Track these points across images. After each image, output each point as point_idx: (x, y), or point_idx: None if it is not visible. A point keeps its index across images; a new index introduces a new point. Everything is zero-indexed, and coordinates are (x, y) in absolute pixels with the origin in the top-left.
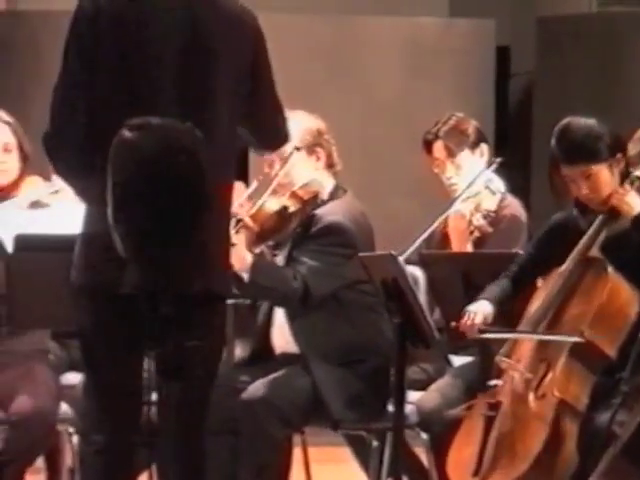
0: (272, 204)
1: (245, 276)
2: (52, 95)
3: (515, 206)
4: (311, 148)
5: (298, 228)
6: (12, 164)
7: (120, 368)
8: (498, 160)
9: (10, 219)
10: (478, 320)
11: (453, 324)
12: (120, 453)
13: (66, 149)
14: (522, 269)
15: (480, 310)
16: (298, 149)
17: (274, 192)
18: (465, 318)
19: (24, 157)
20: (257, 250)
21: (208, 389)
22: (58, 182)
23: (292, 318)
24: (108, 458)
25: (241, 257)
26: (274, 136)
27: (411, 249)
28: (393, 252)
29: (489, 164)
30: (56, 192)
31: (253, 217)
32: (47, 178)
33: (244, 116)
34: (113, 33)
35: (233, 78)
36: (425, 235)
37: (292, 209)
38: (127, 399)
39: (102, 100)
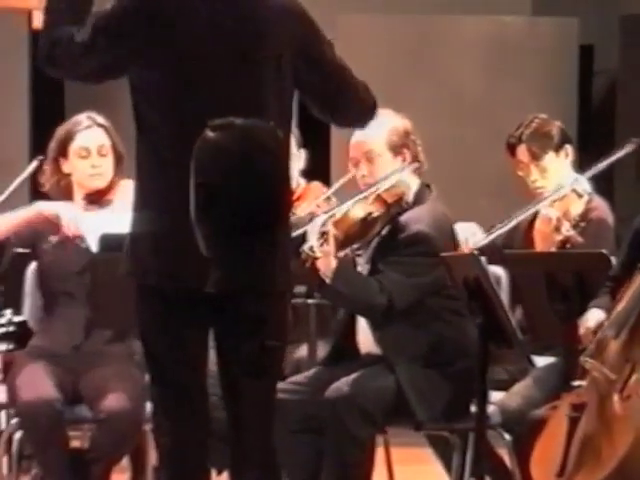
0: (357, 211)
1: (327, 280)
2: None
3: (602, 208)
4: (397, 149)
5: (383, 231)
6: (107, 167)
7: (184, 367)
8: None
9: (101, 223)
10: (593, 328)
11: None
12: (188, 452)
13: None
14: (618, 280)
15: (593, 318)
16: (378, 157)
17: (358, 194)
18: (582, 328)
19: (118, 160)
20: (341, 254)
21: (274, 386)
22: None
23: (374, 327)
24: (177, 457)
25: (327, 262)
26: (358, 112)
27: (485, 240)
28: (475, 252)
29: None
30: None
31: (337, 224)
32: None
33: (318, 101)
34: (165, 22)
35: (289, 71)
36: (505, 229)
37: (376, 214)
38: (191, 397)
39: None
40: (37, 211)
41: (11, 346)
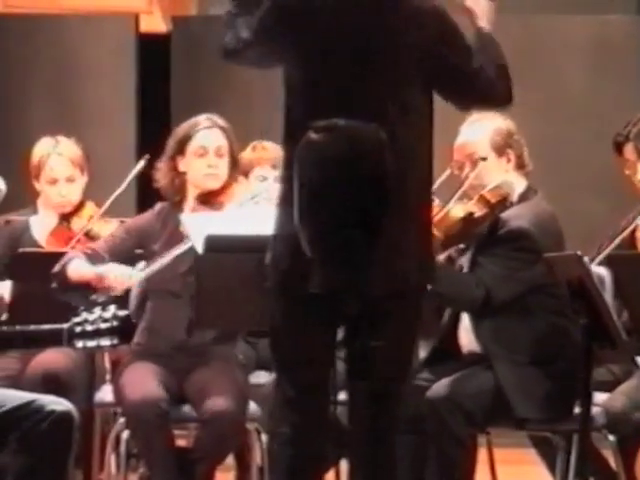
0: (457, 211)
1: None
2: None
3: None
4: (501, 150)
5: (484, 231)
6: (222, 169)
7: (310, 365)
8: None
9: (206, 222)
10: None
11: None
12: (308, 447)
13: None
14: None
15: None
16: (484, 159)
17: (462, 196)
18: None
19: (234, 162)
20: (442, 256)
21: (397, 388)
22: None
23: (475, 321)
24: (296, 451)
25: None
26: (496, 86)
27: (601, 255)
28: (579, 252)
29: None
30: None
31: (437, 225)
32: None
33: (459, 98)
34: (307, 21)
35: (427, 70)
36: (617, 242)
37: (478, 214)
38: (316, 395)
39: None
40: (105, 275)
41: (115, 341)
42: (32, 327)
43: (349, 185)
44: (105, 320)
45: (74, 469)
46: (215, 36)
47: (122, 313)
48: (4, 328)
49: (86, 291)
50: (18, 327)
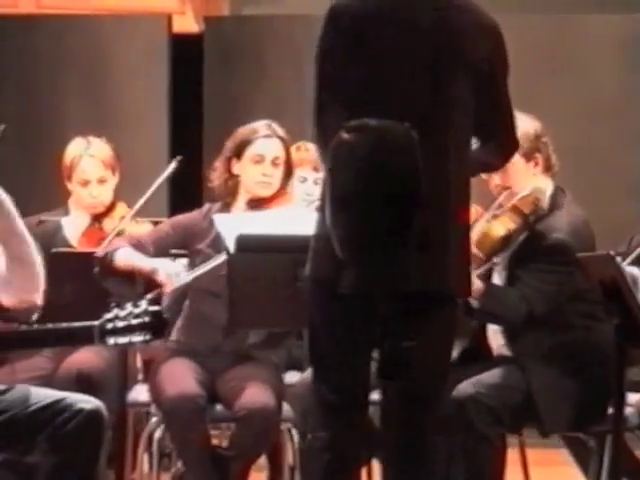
0: (497, 230)
1: (474, 303)
2: None
3: None
4: (529, 155)
5: (521, 243)
6: (277, 178)
7: (346, 366)
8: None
9: (237, 222)
10: None
11: None
12: (343, 451)
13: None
14: None
15: None
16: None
17: (492, 200)
18: None
19: (288, 172)
20: (479, 271)
21: (432, 389)
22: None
23: (509, 331)
24: (331, 455)
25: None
26: (507, 145)
27: (633, 254)
28: (611, 252)
29: None
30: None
31: (478, 245)
32: None
33: (479, 126)
34: (363, 34)
35: (470, 85)
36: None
37: (515, 227)
38: (352, 397)
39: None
40: (154, 272)
41: (148, 337)
42: (64, 325)
43: (380, 185)
44: (136, 316)
45: (106, 469)
46: (247, 36)
47: (154, 309)
48: (36, 326)
49: (128, 281)
50: (50, 325)
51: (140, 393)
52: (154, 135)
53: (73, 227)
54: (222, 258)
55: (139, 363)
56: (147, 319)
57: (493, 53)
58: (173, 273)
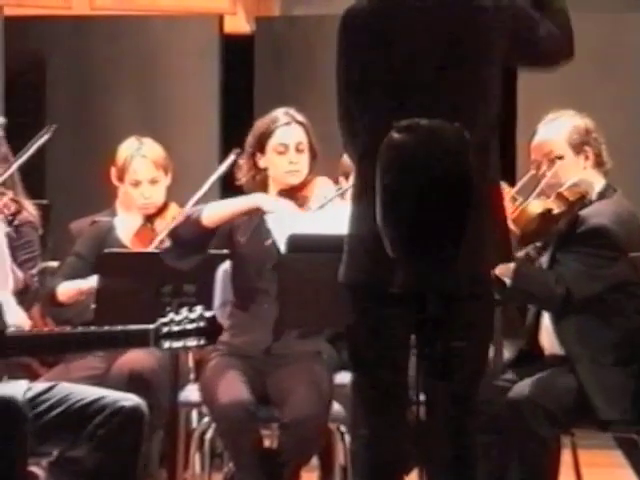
0: (535, 207)
1: (507, 281)
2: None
3: None
4: (579, 148)
5: (563, 228)
6: (303, 164)
7: (387, 366)
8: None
9: (289, 222)
10: None
11: None
12: (387, 448)
13: (346, 136)
14: None
15: None
16: (560, 158)
17: (540, 194)
18: None
19: (313, 157)
20: (520, 253)
21: (475, 389)
22: (344, 184)
23: (556, 321)
24: (376, 452)
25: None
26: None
27: None
28: None
29: None
30: (342, 194)
31: (515, 220)
32: (335, 180)
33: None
34: (383, 32)
35: (495, 67)
36: None
37: (557, 211)
38: (394, 395)
39: (372, 97)
40: (256, 204)
41: (202, 342)
42: (119, 328)
43: (431, 184)
44: (192, 321)
45: (159, 468)
46: (298, 36)
47: (208, 314)
48: (92, 328)
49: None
50: (106, 328)
51: (192, 392)
52: (205, 135)
53: (125, 227)
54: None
55: (191, 363)
56: (202, 324)
57: (513, 15)
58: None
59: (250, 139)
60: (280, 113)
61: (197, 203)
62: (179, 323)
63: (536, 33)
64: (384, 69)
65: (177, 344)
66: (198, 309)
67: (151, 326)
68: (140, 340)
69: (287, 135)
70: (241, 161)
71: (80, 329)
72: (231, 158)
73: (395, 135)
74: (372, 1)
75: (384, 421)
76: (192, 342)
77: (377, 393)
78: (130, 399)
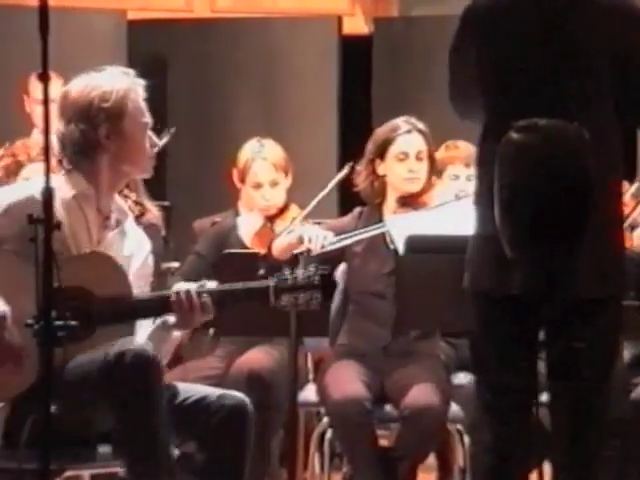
0: None
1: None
2: None
3: None
4: None
5: None
6: (422, 172)
7: (510, 368)
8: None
9: (408, 223)
10: None
11: None
12: (509, 452)
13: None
14: None
15: None
16: None
17: None
18: None
19: (432, 165)
20: None
21: (601, 390)
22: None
23: None
24: (497, 456)
25: None
26: None
27: None
28: None
29: None
30: (459, 199)
31: None
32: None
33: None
34: (503, 30)
35: (612, 69)
36: None
37: None
38: (517, 399)
39: (489, 95)
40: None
41: (318, 296)
42: (240, 284)
43: (551, 185)
44: (308, 277)
45: (279, 468)
46: (417, 37)
47: (323, 271)
48: (214, 287)
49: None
50: (227, 285)
51: (311, 393)
52: (324, 136)
53: (247, 227)
54: (380, 229)
55: (310, 363)
56: (317, 280)
57: (629, 33)
58: (319, 235)
59: (370, 146)
60: (401, 121)
61: (315, 209)
62: (295, 278)
63: None
64: (517, 67)
65: (295, 298)
66: (312, 267)
67: (270, 282)
68: (261, 295)
69: (408, 143)
70: (359, 167)
71: (208, 285)
72: (345, 171)
73: (514, 135)
74: None
75: (507, 427)
76: (308, 297)
77: (501, 399)
78: (234, 397)
